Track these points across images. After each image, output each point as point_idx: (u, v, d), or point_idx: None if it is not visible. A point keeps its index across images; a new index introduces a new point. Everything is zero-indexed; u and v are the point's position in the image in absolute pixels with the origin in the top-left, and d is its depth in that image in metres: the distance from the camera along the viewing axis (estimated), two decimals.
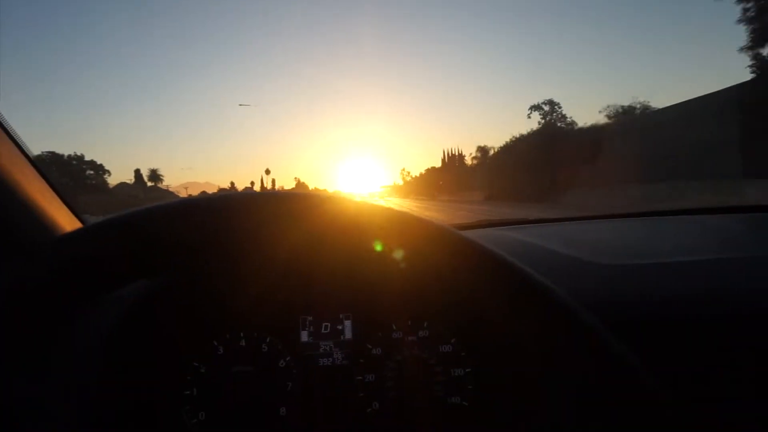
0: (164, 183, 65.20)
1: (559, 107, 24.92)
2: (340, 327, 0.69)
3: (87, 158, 49.92)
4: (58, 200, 0.66)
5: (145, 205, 0.36)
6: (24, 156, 0.61)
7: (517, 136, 25.28)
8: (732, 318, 0.59)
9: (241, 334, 0.67)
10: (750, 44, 13.33)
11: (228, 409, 0.64)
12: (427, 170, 60.14)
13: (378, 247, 0.40)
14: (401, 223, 0.39)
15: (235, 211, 0.38)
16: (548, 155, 20.88)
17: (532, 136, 23.25)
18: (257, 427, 0.64)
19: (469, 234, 0.40)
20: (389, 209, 0.40)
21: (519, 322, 0.38)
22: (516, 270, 0.38)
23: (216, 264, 0.60)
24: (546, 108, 25.16)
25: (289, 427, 0.65)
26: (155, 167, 64.16)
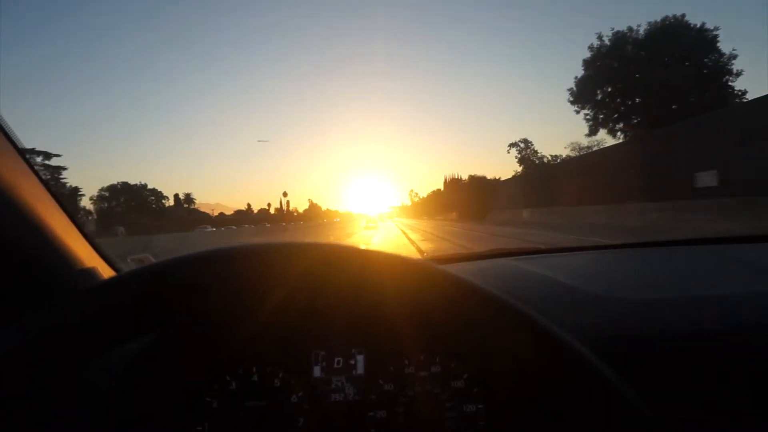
0: (195, 205, 73.32)
1: (532, 144, 31.62)
2: (352, 362, 0.69)
3: (149, 186, 58.66)
4: (79, 235, 0.67)
5: (172, 257, 0.39)
6: (47, 191, 0.62)
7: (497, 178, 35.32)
8: (752, 352, 0.58)
9: (254, 369, 0.67)
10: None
11: None
12: (432, 192, 61.40)
13: (382, 290, 0.44)
14: (397, 267, 0.43)
15: (253, 261, 0.41)
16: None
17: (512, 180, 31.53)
18: None
19: (483, 264, 0.44)
20: (387, 255, 0.43)
21: (522, 358, 0.41)
22: (512, 307, 0.40)
23: (230, 302, 0.60)
24: (521, 145, 32.15)
25: None
26: (188, 191, 72.29)
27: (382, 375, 0.68)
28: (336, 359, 0.68)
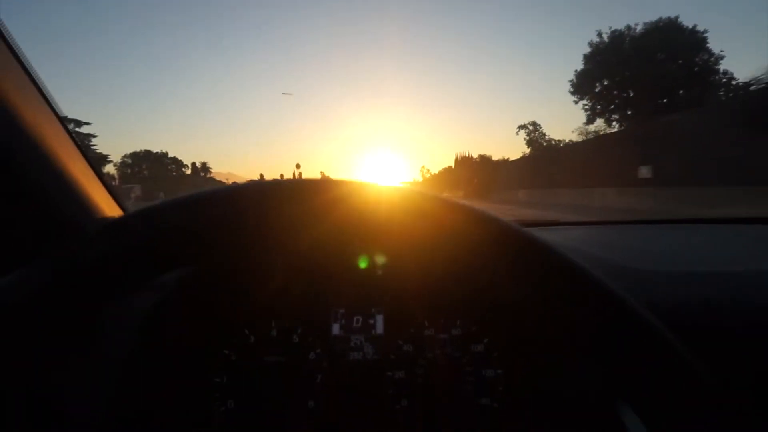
0: (211, 174, 74.25)
1: (540, 127, 31.99)
2: (371, 321, 0.68)
3: (170, 155, 59.96)
4: (99, 183, 0.67)
5: (189, 192, 0.36)
6: (69, 138, 0.62)
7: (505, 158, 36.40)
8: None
9: (273, 324, 0.67)
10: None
11: (256, 399, 0.64)
12: (443, 169, 61.25)
13: (414, 235, 0.38)
14: (441, 208, 0.37)
15: (273, 198, 0.37)
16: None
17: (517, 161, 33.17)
18: (285, 419, 0.64)
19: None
20: (428, 195, 0.37)
21: (569, 315, 0.36)
22: (568, 261, 0.36)
23: (250, 253, 0.59)
24: (530, 127, 32.24)
25: (316, 420, 0.65)
26: (203, 160, 72.19)
27: (401, 335, 0.68)
28: (355, 318, 0.68)
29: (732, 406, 0.32)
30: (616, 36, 21.47)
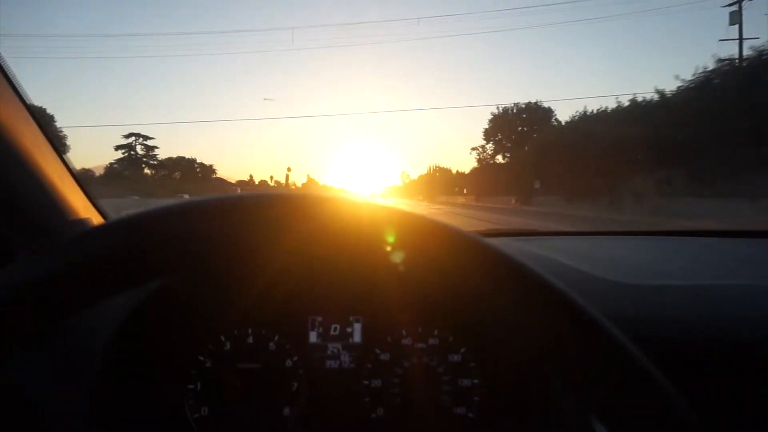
0: (216, 175, 74.05)
1: (488, 149, 43.83)
2: (349, 329, 0.68)
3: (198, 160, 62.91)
4: (76, 186, 0.66)
5: (162, 205, 0.36)
6: (47, 140, 0.61)
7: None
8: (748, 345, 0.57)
9: (249, 331, 0.67)
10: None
11: (231, 406, 0.64)
12: (420, 176, 70.65)
13: (390, 250, 0.38)
14: (416, 226, 0.37)
15: (250, 211, 0.37)
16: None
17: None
18: (260, 427, 0.64)
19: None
20: (404, 212, 0.38)
21: (538, 332, 0.36)
22: (537, 278, 0.35)
23: (226, 260, 0.58)
24: (480, 149, 43.86)
25: (292, 428, 0.65)
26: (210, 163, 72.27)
27: (378, 344, 0.68)
28: (333, 326, 0.68)
29: (694, 421, 0.31)
30: (505, 110, 39.19)
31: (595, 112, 21.70)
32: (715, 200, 10.98)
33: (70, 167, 0.66)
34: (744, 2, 18.35)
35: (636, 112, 16.76)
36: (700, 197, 11.53)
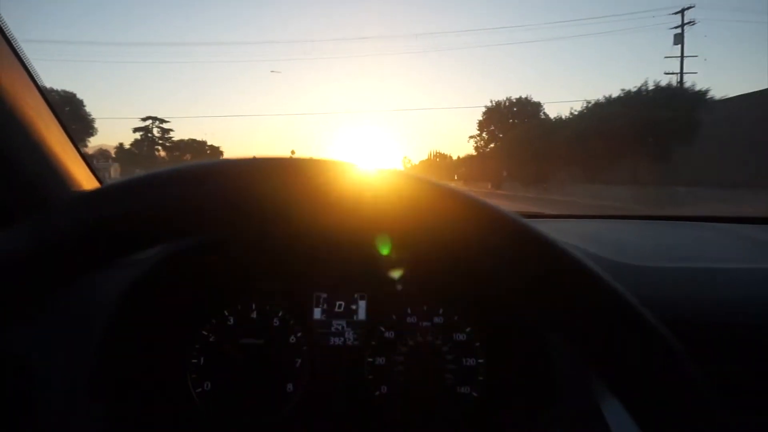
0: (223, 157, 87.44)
1: (485, 137, 43.64)
2: (354, 307, 0.68)
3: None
4: (78, 156, 0.65)
5: (166, 167, 0.34)
6: (49, 108, 0.60)
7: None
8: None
9: (253, 306, 0.66)
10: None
11: (234, 381, 0.64)
12: (421, 161, 74.35)
13: (401, 219, 0.33)
14: (434, 193, 0.34)
15: (259, 175, 0.34)
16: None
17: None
18: (263, 402, 0.64)
19: None
20: (420, 178, 0.34)
21: (563, 314, 0.33)
22: (562, 251, 0.33)
23: (231, 233, 0.58)
24: (477, 137, 43.47)
25: (295, 404, 0.64)
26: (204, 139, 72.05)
27: (383, 322, 0.68)
28: (337, 303, 0.68)
29: (718, 403, 0.30)
30: (497, 104, 41.38)
31: (552, 118, 27.11)
32: (601, 185, 17.33)
33: (73, 140, 0.66)
34: (686, 26, 23.18)
35: (568, 121, 22.25)
36: (592, 183, 18.61)
